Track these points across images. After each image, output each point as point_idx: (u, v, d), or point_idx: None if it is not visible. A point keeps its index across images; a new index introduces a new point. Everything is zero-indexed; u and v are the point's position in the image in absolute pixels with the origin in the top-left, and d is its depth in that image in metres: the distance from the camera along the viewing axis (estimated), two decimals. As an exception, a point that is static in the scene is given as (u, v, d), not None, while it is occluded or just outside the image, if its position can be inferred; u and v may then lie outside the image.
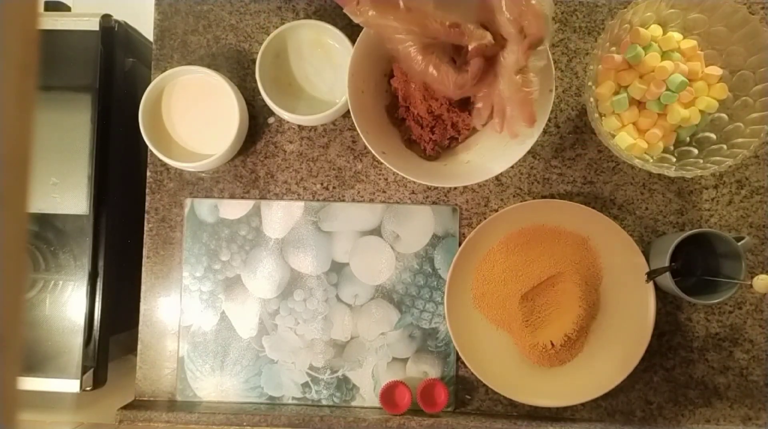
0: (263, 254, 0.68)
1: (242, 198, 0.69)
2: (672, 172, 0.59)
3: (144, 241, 0.69)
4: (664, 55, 0.61)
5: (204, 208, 0.69)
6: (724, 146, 0.60)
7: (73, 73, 0.70)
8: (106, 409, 0.67)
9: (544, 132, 0.68)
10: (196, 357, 0.67)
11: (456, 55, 0.54)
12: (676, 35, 0.62)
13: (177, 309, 0.68)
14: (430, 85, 0.53)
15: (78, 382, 0.66)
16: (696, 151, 0.63)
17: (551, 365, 0.65)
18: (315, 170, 0.69)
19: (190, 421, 0.63)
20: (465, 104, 0.63)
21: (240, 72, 0.70)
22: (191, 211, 0.69)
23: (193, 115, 0.66)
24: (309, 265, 0.68)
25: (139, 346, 0.68)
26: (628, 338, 0.64)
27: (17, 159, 0.22)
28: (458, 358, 0.66)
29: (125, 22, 0.75)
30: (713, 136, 0.62)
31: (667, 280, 0.60)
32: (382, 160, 0.59)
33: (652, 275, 0.62)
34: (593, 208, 0.64)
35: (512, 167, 0.61)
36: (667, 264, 0.59)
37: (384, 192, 0.69)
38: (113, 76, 0.72)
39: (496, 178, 0.68)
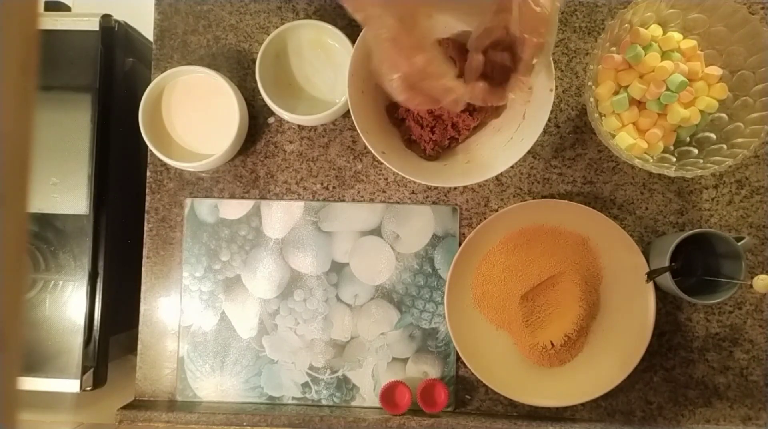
0: (263, 254, 0.68)
1: (242, 198, 0.69)
2: (672, 172, 0.59)
3: (144, 241, 0.69)
4: (664, 55, 0.61)
5: (204, 208, 0.69)
6: (724, 146, 0.60)
7: (73, 73, 0.70)
8: (106, 409, 0.67)
9: (544, 132, 0.68)
10: (196, 357, 0.67)
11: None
12: (676, 35, 0.62)
13: (177, 309, 0.68)
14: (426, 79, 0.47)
15: (78, 382, 0.66)
16: (696, 151, 0.63)
17: (551, 365, 0.65)
18: (315, 170, 0.69)
19: (190, 421, 0.63)
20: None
21: (240, 72, 0.70)
22: (191, 211, 0.69)
23: (193, 115, 0.66)
24: (309, 265, 0.68)
25: (139, 346, 0.68)
26: (628, 338, 0.64)
27: (17, 159, 0.22)
28: (458, 358, 0.66)
29: (125, 22, 0.75)
30: (713, 136, 0.62)
31: (667, 280, 0.60)
32: (382, 160, 0.59)
33: (652, 275, 0.62)
34: (593, 208, 0.64)
35: (512, 167, 0.61)
36: (667, 264, 0.59)
37: (384, 192, 0.69)
38: (113, 76, 0.72)
39: (496, 178, 0.68)
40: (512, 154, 0.59)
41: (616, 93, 0.62)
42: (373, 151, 0.59)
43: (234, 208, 0.69)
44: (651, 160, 0.62)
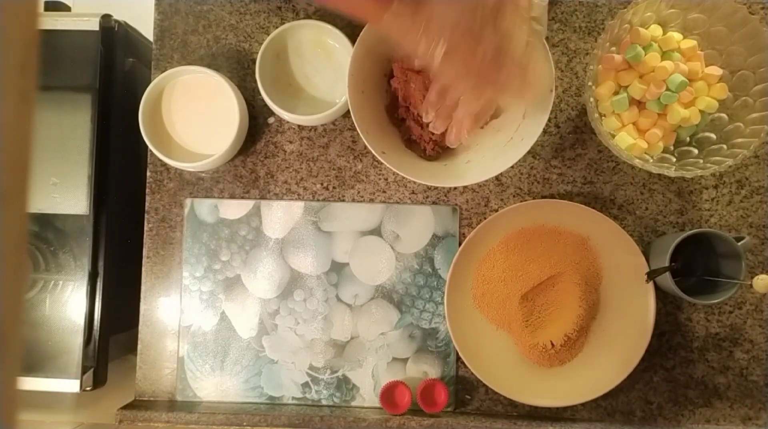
0: (263, 254, 0.68)
1: (242, 198, 0.69)
2: (672, 172, 0.59)
3: (144, 241, 0.69)
4: (664, 55, 0.61)
5: (204, 208, 0.69)
6: (724, 146, 0.60)
7: (73, 73, 0.70)
8: (106, 409, 0.67)
9: (544, 132, 0.68)
10: (196, 357, 0.67)
11: None
12: (676, 35, 0.62)
13: (177, 309, 0.68)
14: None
15: (78, 382, 0.66)
16: (696, 151, 0.63)
17: (551, 365, 0.65)
18: (315, 170, 0.69)
19: (190, 421, 0.63)
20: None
21: (240, 72, 0.70)
22: (191, 211, 0.69)
23: (193, 115, 0.66)
24: (309, 265, 0.68)
25: (139, 346, 0.68)
26: (628, 338, 0.64)
27: (17, 159, 0.22)
28: (458, 358, 0.66)
29: (125, 22, 0.75)
30: (713, 136, 0.62)
31: (667, 280, 0.60)
32: (382, 160, 0.59)
33: (652, 275, 0.62)
34: (593, 208, 0.64)
35: (512, 167, 0.61)
36: (667, 264, 0.59)
37: (384, 192, 0.69)
38: (113, 76, 0.72)
39: (496, 178, 0.68)
40: (512, 154, 0.59)
41: (616, 93, 0.62)
42: (373, 151, 0.59)
43: (234, 208, 0.69)
44: (651, 160, 0.62)
